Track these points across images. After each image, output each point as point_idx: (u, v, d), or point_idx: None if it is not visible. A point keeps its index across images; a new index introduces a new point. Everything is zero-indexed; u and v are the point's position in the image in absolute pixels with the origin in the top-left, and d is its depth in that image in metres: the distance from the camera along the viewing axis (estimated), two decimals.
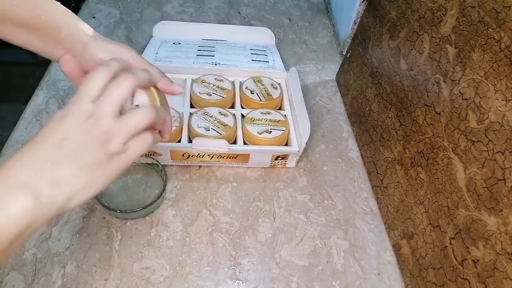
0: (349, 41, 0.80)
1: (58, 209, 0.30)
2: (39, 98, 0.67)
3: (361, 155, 0.64)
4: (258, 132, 0.58)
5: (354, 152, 0.65)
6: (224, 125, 0.58)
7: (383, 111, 0.58)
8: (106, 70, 0.33)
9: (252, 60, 0.73)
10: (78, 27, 0.40)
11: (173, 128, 0.53)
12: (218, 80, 0.66)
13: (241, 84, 0.67)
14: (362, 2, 0.75)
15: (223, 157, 0.57)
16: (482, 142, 0.38)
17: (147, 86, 0.37)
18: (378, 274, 0.50)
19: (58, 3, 0.40)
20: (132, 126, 0.33)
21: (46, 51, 0.40)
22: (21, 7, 0.37)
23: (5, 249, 0.27)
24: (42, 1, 0.38)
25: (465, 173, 0.40)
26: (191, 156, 0.57)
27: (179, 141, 0.58)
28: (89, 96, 0.31)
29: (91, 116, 0.31)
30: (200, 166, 0.59)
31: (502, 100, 0.35)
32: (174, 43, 0.74)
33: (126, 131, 0.32)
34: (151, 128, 0.35)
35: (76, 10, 0.83)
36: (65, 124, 0.30)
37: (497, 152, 0.36)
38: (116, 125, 0.32)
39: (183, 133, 0.58)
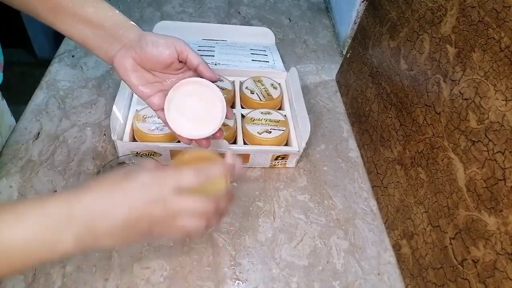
0: (349, 41, 0.80)
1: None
2: (39, 98, 0.67)
3: (361, 155, 0.64)
4: (258, 132, 0.58)
5: (354, 152, 0.65)
6: (224, 125, 0.58)
7: (383, 111, 0.58)
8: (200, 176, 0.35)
9: (252, 60, 0.73)
10: (131, 23, 0.44)
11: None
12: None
13: (241, 84, 0.67)
14: (362, 2, 0.75)
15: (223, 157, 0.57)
16: (482, 142, 0.38)
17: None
18: (378, 274, 0.50)
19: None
20: (187, 205, 0.34)
21: (103, 48, 0.43)
22: (88, 3, 0.41)
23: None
24: (101, 0, 0.43)
25: (465, 173, 0.40)
26: None
27: (179, 141, 0.58)
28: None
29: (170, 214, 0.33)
30: None
31: (502, 100, 0.35)
32: None
33: (180, 205, 0.34)
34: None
35: None
36: (148, 208, 0.32)
37: (497, 152, 0.36)
38: (175, 199, 0.33)
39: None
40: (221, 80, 0.66)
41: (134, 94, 0.58)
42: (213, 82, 0.46)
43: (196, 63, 0.44)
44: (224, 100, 0.45)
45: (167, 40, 0.43)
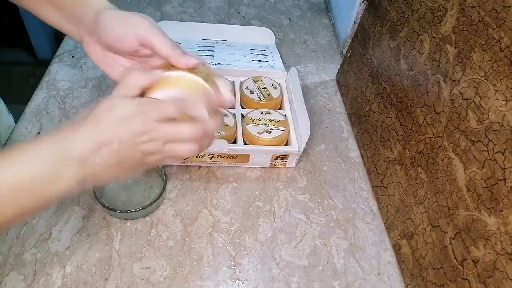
0: (349, 41, 0.80)
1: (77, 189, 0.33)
2: (39, 98, 0.67)
3: (361, 155, 0.64)
4: (258, 132, 0.58)
5: (354, 152, 0.65)
6: (224, 125, 0.58)
7: (383, 111, 0.58)
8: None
9: (252, 60, 0.73)
10: (91, 0, 0.39)
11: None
12: None
13: (241, 84, 0.67)
14: (362, 2, 0.75)
15: (223, 157, 0.57)
16: (482, 142, 0.38)
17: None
18: (378, 274, 0.50)
19: None
20: (176, 133, 0.35)
21: (73, 32, 0.40)
22: None
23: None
24: None
25: (465, 173, 0.40)
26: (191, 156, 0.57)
27: None
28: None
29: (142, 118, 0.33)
30: (200, 166, 0.59)
31: (502, 100, 0.35)
32: None
33: (168, 136, 0.34)
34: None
35: None
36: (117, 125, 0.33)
37: (497, 152, 0.36)
38: (162, 129, 0.34)
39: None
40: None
41: None
42: (190, 68, 0.37)
43: (164, 54, 0.37)
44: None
45: (125, 25, 0.37)
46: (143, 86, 0.35)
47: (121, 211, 0.50)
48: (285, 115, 0.62)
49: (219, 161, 0.58)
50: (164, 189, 0.52)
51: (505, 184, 0.34)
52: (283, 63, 0.73)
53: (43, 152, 0.31)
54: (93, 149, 0.32)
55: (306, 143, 0.57)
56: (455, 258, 0.40)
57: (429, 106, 0.47)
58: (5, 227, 0.33)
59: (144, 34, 0.37)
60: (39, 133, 0.61)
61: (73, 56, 0.75)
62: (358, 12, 0.77)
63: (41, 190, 0.31)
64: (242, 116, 0.62)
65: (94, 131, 0.32)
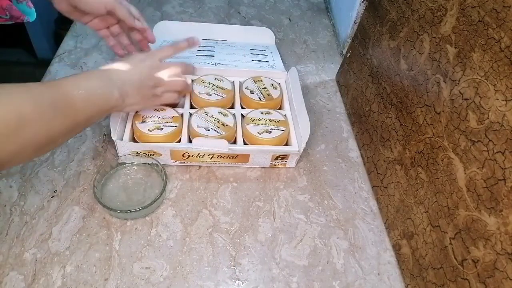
0: (349, 41, 0.80)
1: (118, 109, 0.52)
2: None
3: (361, 155, 0.64)
4: (258, 132, 0.58)
5: (354, 152, 0.65)
6: (224, 125, 0.58)
7: (383, 111, 0.58)
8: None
9: (252, 60, 0.73)
10: None
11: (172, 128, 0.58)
12: (218, 80, 0.66)
13: (241, 84, 0.67)
14: (362, 2, 0.75)
15: (223, 157, 0.57)
16: (482, 142, 0.38)
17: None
18: (378, 274, 0.50)
19: None
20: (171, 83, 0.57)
21: None
22: None
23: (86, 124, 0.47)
24: None
25: (465, 173, 0.40)
26: (191, 156, 0.57)
27: (179, 141, 0.58)
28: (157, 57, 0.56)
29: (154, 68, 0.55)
30: (200, 166, 0.59)
31: (502, 100, 0.35)
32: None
33: (167, 85, 0.56)
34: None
35: None
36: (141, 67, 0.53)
37: (497, 152, 0.36)
38: (163, 78, 0.55)
39: (183, 133, 0.58)
40: (221, 80, 0.66)
41: None
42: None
43: (122, 17, 0.57)
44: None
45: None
46: None
47: (121, 211, 0.50)
48: (285, 115, 0.62)
49: (219, 161, 0.58)
50: (164, 189, 0.52)
51: (505, 184, 0.34)
52: (283, 63, 0.73)
53: (96, 75, 0.48)
54: (126, 75, 0.50)
55: (306, 143, 0.57)
56: (455, 258, 0.40)
57: (429, 106, 0.47)
58: (78, 131, 0.46)
59: (110, 5, 0.55)
60: None
61: (73, 56, 0.75)
62: (358, 12, 0.77)
63: (100, 99, 0.46)
64: (242, 116, 0.62)
65: (125, 65, 0.51)
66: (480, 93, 0.38)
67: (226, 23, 0.90)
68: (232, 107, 0.64)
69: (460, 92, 0.41)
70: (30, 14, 0.56)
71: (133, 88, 0.50)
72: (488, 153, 0.37)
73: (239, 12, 0.94)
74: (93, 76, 0.47)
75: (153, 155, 0.56)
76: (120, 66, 0.50)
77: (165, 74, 0.55)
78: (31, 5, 0.57)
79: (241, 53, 0.75)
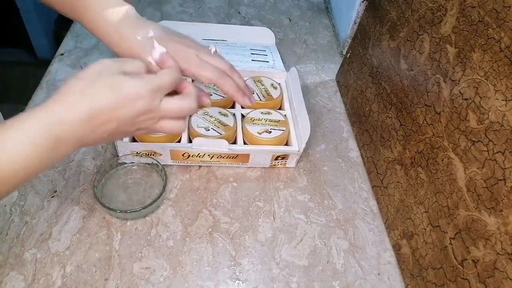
0: (349, 41, 0.80)
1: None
2: (39, 98, 0.67)
3: (361, 155, 0.64)
4: (258, 132, 0.58)
5: (354, 152, 0.65)
6: (224, 125, 0.58)
7: (383, 111, 0.58)
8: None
9: (252, 60, 0.73)
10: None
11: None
12: None
13: None
14: (362, 2, 0.75)
15: (223, 157, 0.57)
16: (482, 142, 0.38)
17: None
18: (378, 274, 0.50)
19: None
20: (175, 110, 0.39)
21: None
22: None
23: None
24: None
25: (465, 173, 0.40)
26: (191, 156, 0.57)
27: (179, 141, 0.58)
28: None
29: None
30: (200, 166, 0.59)
31: (502, 100, 0.35)
32: None
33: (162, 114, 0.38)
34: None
35: None
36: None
37: (497, 152, 0.36)
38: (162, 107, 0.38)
39: (183, 133, 0.58)
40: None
41: None
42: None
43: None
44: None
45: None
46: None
47: (121, 211, 0.50)
48: (285, 115, 0.62)
49: (219, 161, 0.58)
50: (164, 189, 0.52)
51: (505, 184, 0.34)
52: (283, 63, 0.73)
53: (35, 132, 0.32)
54: (90, 129, 0.34)
55: (306, 143, 0.57)
56: (455, 258, 0.40)
57: (429, 106, 0.47)
58: (13, 190, 0.34)
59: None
60: None
61: (73, 56, 0.75)
62: (358, 12, 0.77)
63: (43, 164, 0.33)
64: (242, 116, 0.62)
65: (91, 110, 0.33)
66: (480, 93, 0.38)
67: (226, 23, 0.90)
68: (232, 107, 0.64)
69: (460, 92, 0.41)
70: None
71: (98, 139, 0.36)
72: (488, 153, 0.37)
73: (239, 12, 0.94)
74: (34, 134, 0.31)
75: (153, 155, 0.56)
76: (87, 104, 0.33)
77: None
78: None
79: (241, 53, 0.75)
